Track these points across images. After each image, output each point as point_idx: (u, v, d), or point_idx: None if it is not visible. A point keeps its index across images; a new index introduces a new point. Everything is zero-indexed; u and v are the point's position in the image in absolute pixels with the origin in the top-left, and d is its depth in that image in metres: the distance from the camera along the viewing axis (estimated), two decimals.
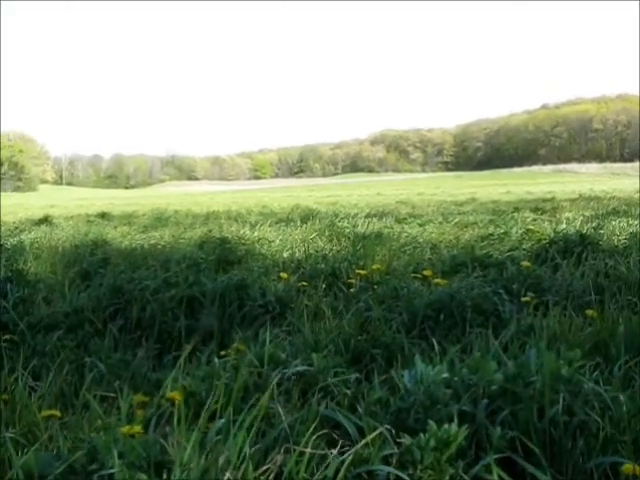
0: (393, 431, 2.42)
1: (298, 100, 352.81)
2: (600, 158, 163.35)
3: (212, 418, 2.75)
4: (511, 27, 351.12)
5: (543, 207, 19.84)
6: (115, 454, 2.27)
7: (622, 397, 2.74)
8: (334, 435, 2.57)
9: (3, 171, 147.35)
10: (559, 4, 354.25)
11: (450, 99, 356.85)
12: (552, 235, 8.53)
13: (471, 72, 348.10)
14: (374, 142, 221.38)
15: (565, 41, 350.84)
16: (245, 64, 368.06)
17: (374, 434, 2.19)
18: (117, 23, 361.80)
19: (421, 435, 2.25)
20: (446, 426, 2.24)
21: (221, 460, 2.07)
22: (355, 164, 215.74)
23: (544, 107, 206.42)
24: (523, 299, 5.15)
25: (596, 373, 3.06)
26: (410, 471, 2.22)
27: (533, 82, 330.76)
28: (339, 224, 13.92)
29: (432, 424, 2.25)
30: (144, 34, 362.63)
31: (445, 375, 2.72)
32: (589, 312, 4.64)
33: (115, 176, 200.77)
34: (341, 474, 2.10)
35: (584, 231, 8.55)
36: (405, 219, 15.71)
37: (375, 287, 5.95)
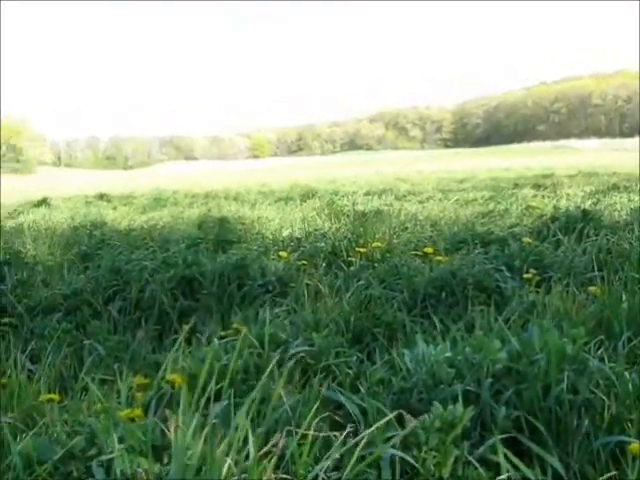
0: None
1: (297, 79, 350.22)
2: (599, 134, 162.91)
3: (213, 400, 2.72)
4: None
5: (543, 183, 19.79)
6: (115, 438, 2.24)
7: (627, 375, 2.70)
8: (336, 417, 2.54)
9: (2, 153, 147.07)
10: None
11: (449, 77, 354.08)
12: (553, 211, 8.48)
13: (469, 50, 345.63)
14: (373, 120, 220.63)
15: (562, 18, 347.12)
16: (243, 44, 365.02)
17: (383, 421, 2.14)
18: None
19: (426, 416, 2.21)
20: (451, 407, 2.20)
21: (222, 444, 2.03)
22: (353, 142, 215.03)
23: (543, 84, 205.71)
24: (525, 276, 5.09)
25: (600, 350, 3.01)
26: (414, 453, 2.19)
27: (531, 59, 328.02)
28: (339, 202, 13.88)
29: (437, 405, 2.21)
30: (142, 14, 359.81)
31: (448, 354, 2.68)
32: (592, 289, 4.60)
33: (113, 157, 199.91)
34: (351, 460, 2.06)
35: (585, 207, 8.49)
36: (405, 196, 15.69)
37: (375, 265, 5.90)
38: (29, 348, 4.10)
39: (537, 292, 4.68)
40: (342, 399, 2.61)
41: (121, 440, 2.34)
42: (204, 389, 2.64)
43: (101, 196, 23.71)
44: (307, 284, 5.26)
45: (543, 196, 13.86)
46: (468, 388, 2.52)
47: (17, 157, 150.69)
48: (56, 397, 3.01)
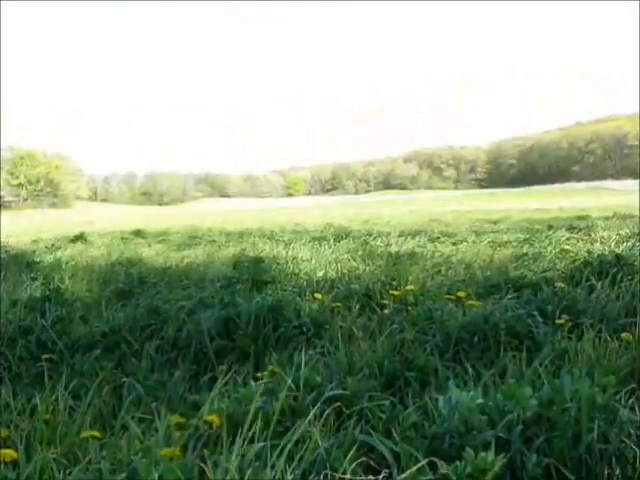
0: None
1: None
2: (635, 175, 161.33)
3: (249, 441, 2.79)
4: (543, 43, 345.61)
5: (578, 225, 19.65)
6: (155, 477, 2.32)
7: None
8: (370, 461, 2.60)
9: (39, 187, 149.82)
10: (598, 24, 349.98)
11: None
12: (586, 255, 8.48)
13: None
14: (407, 159, 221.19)
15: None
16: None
17: (416, 467, 2.21)
18: (150, 41, 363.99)
19: (457, 462, 2.27)
20: (483, 454, 2.26)
21: None
22: (388, 181, 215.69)
23: (578, 124, 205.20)
24: (557, 321, 5.12)
25: (631, 400, 3.04)
26: None
27: (567, 99, 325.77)
28: (372, 243, 13.95)
29: (469, 451, 2.27)
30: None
31: (480, 401, 2.73)
32: (625, 335, 4.61)
33: (149, 193, 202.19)
34: None
35: (619, 251, 8.49)
36: (438, 238, 15.68)
37: (409, 308, 5.96)
38: (70, 385, 4.21)
39: (569, 338, 4.71)
40: (377, 444, 2.67)
41: (161, 478, 2.43)
42: (240, 430, 2.73)
43: (137, 232, 24.00)
44: (341, 326, 5.34)
45: (577, 239, 13.78)
46: (499, 435, 2.58)
47: (55, 192, 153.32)
48: (97, 434, 3.10)
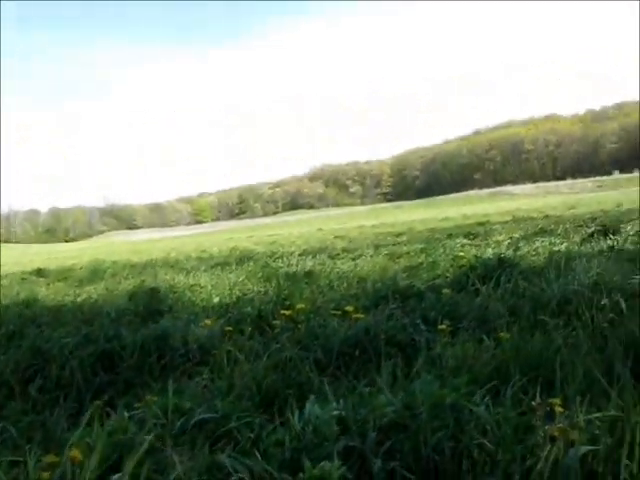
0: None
1: (234, 141, 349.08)
2: (534, 178, 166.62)
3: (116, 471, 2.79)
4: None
5: (477, 232, 20.15)
6: None
7: (502, 419, 2.83)
8: None
9: None
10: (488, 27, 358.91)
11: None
12: (473, 260, 8.71)
13: (404, 101, 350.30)
14: (313, 178, 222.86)
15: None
16: (178, 107, 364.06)
17: None
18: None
19: (300, 474, 2.32)
20: (322, 464, 2.31)
21: None
22: (295, 201, 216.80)
23: (477, 132, 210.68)
24: (440, 327, 5.24)
25: (487, 397, 3.15)
26: None
27: (465, 108, 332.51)
28: (273, 264, 13.99)
29: (307, 463, 2.32)
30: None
31: (335, 412, 2.79)
32: (502, 335, 4.77)
33: (54, 229, 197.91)
34: None
35: (503, 254, 8.76)
36: (338, 255, 15.83)
37: (299, 327, 6.00)
38: None
39: (447, 343, 4.84)
40: (228, 464, 2.69)
41: None
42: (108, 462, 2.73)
43: (38, 271, 23.40)
44: (229, 350, 5.34)
45: (472, 245, 14.14)
46: (351, 443, 2.64)
47: None
48: None
